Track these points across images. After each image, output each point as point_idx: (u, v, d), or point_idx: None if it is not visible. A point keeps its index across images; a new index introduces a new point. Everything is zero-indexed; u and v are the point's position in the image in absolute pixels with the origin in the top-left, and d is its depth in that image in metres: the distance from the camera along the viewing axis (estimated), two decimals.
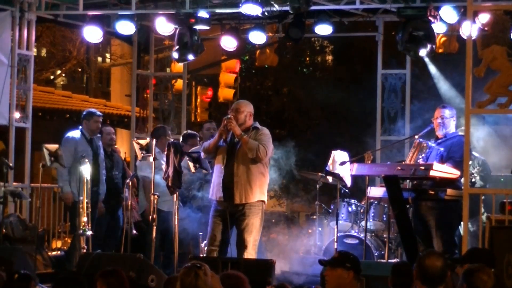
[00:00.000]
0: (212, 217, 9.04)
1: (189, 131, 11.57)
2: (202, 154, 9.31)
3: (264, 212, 9.05)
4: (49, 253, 11.30)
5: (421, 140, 9.38)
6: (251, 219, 8.88)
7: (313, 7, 11.24)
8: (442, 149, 9.23)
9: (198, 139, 10.86)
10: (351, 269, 5.88)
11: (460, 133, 9.34)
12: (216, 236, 8.95)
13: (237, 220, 8.96)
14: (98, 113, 10.98)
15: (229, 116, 8.95)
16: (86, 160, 10.02)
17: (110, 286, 6.14)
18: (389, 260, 9.85)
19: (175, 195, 9.60)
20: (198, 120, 20.78)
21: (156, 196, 9.60)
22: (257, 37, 12.20)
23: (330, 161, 10.23)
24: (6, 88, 11.58)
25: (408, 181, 9.32)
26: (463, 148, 8.82)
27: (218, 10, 12.30)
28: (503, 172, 10.65)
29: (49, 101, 19.64)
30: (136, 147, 10.29)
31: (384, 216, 10.83)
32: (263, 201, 8.99)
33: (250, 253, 8.86)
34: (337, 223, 10.20)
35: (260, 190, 8.95)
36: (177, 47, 11.66)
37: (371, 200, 10.45)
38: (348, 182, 10.24)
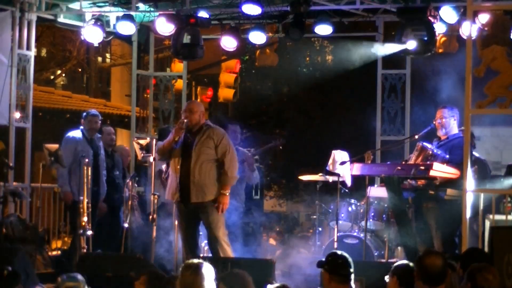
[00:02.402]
0: (177, 218, 9.21)
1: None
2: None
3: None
4: (49, 253, 11.29)
5: (424, 145, 9.29)
6: (214, 215, 8.95)
7: (313, 7, 11.24)
8: (448, 156, 9.20)
9: None
10: (327, 270, 5.90)
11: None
12: (186, 236, 9.08)
13: (200, 217, 9.06)
14: (97, 113, 10.99)
15: (184, 119, 8.98)
16: (86, 160, 10.03)
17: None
18: (389, 260, 9.85)
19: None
20: None
21: (156, 196, 9.60)
22: (257, 37, 12.19)
23: (330, 161, 10.23)
24: (6, 88, 11.59)
25: (408, 181, 9.32)
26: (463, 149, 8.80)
27: (217, 11, 12.31)
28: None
29: (49, 101, 19.64)
30: (136, 147, 10.29)
31: (384, 216, 10.83)
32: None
33: (225, 248, 8.95)
34: (337, 223, 10.20)
35: (218, 187, 8.98)
36: (176, 45, 11.65)
37: (371, 200, 10.45)
38: (348, 182, 10.24)
